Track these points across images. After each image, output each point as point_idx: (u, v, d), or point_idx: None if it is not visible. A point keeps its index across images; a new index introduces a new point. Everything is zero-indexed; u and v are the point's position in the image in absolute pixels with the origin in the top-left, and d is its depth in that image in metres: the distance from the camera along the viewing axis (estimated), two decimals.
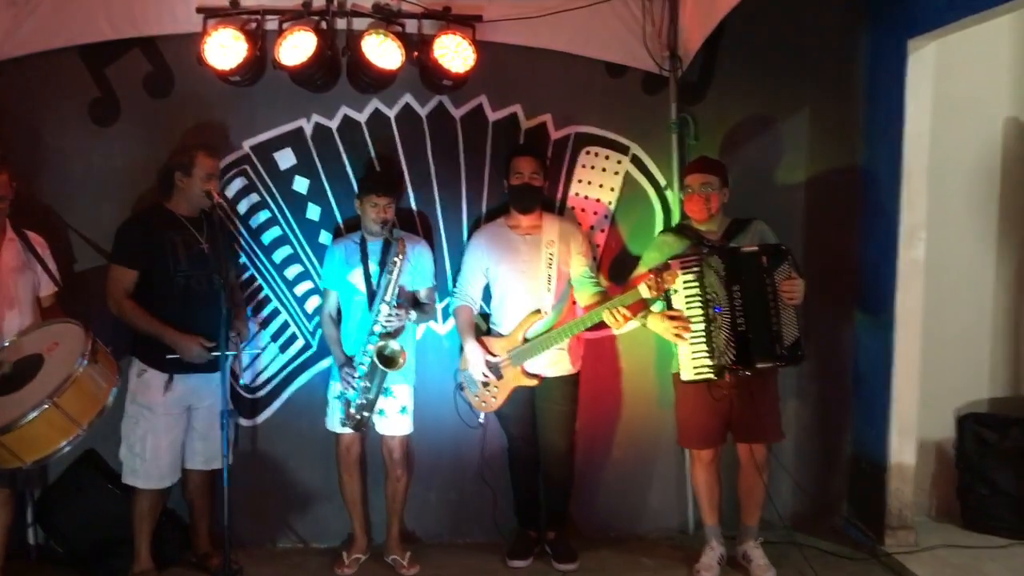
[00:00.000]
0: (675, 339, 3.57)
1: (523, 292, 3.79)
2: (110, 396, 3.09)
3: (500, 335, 3.85)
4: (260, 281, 4.10)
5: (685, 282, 3.53)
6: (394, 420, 3.83)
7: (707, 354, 3.53)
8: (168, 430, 3.58)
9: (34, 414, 2.85)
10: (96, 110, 3.91)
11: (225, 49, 3.62)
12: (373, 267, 3.76)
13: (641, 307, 3.60)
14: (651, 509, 4.33)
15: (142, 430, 3.54)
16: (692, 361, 3.57)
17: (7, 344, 3.15)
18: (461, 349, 3.97)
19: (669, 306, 3.60)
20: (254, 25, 3.72)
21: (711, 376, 3.55)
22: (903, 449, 4.06)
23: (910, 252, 3.97)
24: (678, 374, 3.68)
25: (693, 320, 3.54)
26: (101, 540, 3.82)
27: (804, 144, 4.23)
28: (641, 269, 3.77)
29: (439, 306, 4.11)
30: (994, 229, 4.43)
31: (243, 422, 4.08)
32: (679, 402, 3.81)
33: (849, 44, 4.21)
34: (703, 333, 3.53)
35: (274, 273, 4.10)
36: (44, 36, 3.76)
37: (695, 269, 3.52)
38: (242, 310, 3.89)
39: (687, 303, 3.55)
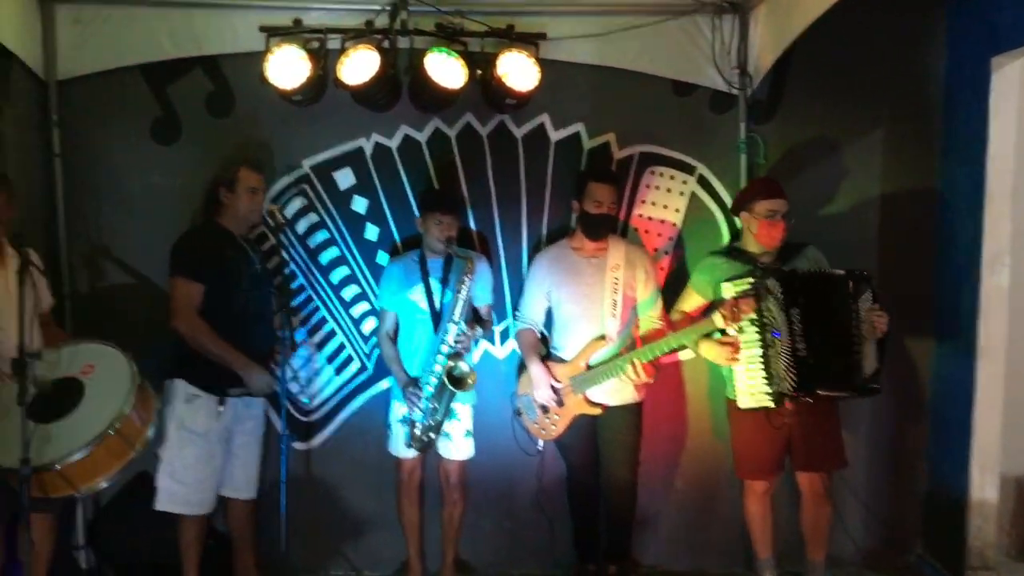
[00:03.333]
0: (728, 364, 3.48)
1: (586, 317, 3.68)
2: (153, 421, 3.04)
3: (561, 360, 3.74)
4: (316, 302, 4.04)
5: None
6: (459, 443, 3.74)
7: (765, 380, 3.39)
8: (215, 456, 3.49)
9: (96, 444, 2.80)
10: (158, 129, 3.89)
11: (288, 68, 3.57)
12: (434, 285, 3.69)
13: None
14: (715, 543, 4.17)
15: (189, 458, 3.43)
16: (749, 388, 3.45)
17: (37, 358, 2.94)
18: (519, 373, 3.88)
19: (722, 332, 3.48)
20: (317, 44, 3.67)
21: (769, 404, 3.41)
22: (985, 484, 3.86)
23: (993, 279, 3.79)
24: (733, 401, 3.56)
25: (750, 345, 3.41)
26: (152, 564, 3.78)
27: (878, 165, 4.08)
28: (690, 293, 3.68)
29: (497, 328, 4.03)
30: None
31: (297, 445, 4.02)
32: (735, 431, 3.68)
33: (926, 62, 4.05)
34: (760, 359, 3.40)
35: (331, 293, 4.04)
36: (108, 55, 3.77)
37: (751, 293, 3.38)
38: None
39: (743, 328, 3.41)
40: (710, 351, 3.51)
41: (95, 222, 3.87)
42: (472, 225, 4.03)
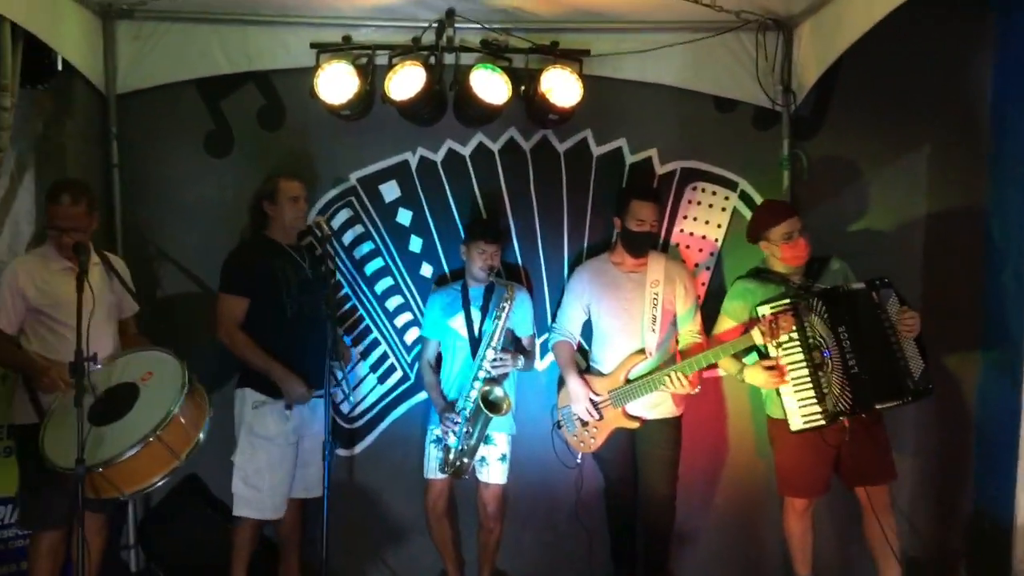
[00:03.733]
0: (774, 387, 3.45)
1: (625, 331, 3.70)
2: (205, 424, 3.10)
3: (600, 374, 3.76)
4: (361, 311, 4.12)
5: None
6: (494, 468, 3.77)
7: (815, 401, 3.36)
8: (286, 460, 3.58)
9: (137, 448, 2.87)
10: (211, 142, 4.02)
11: (337, 83, 3.67)
12: (475, 313, 3.74)
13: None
14: (755, 561, 4.16)
15: (260, 463, 3.53)
16: (801, 410, 3.40)
17: (98, 368, 3.13)
18: (559, 386, 3.91)
19: (763, 356, 3.47)
20: (365, 60, 3.77)
21: (822, 423, 3.37)
22: None
23: None
24: (776, 420, 3.54)
25: (795, 366, 3.39)
26: (200, 564, 3.87)
27: (923, 182, 4.05)
28: (725, 320, 3.66)
29: (538, 341, 4.06)
30: None
31: (340, 452, 4.09)
32: (780, 449, 3.65)
33: (974, 79, 4.01)
34: (808, 379, 3.37)
35: (375, 304, 4.12)
36: (165, 70, 3.91)
37: (790, 314, 3.37)
38: (339, 335, 3.89)
39: (785, 350, 3.39)
40: (756, 377, 3.49)
41: (151, 231, 4.00)
42: (517, 253, 4.09)
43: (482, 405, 3.53)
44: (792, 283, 3.49)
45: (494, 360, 3.60)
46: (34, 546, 3.25)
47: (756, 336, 3.33)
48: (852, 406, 3.33)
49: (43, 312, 3.15)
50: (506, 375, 3.66)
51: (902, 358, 3.34)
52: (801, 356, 3.37)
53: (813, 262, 3.55)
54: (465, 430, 3.62)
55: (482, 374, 3.60)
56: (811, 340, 3.35)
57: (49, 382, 3.00)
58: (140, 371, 3.13)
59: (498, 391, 3.58)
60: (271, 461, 3.54)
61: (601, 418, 3.69)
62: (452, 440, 3.65)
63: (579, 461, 3.87)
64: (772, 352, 3.40)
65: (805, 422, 3.39)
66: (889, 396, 3.36)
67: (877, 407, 3.37)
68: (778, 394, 3.46)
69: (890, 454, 3.60)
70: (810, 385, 3.37)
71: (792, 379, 3.39)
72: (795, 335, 3.36)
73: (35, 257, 3.26)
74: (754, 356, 3.58)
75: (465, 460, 3.65)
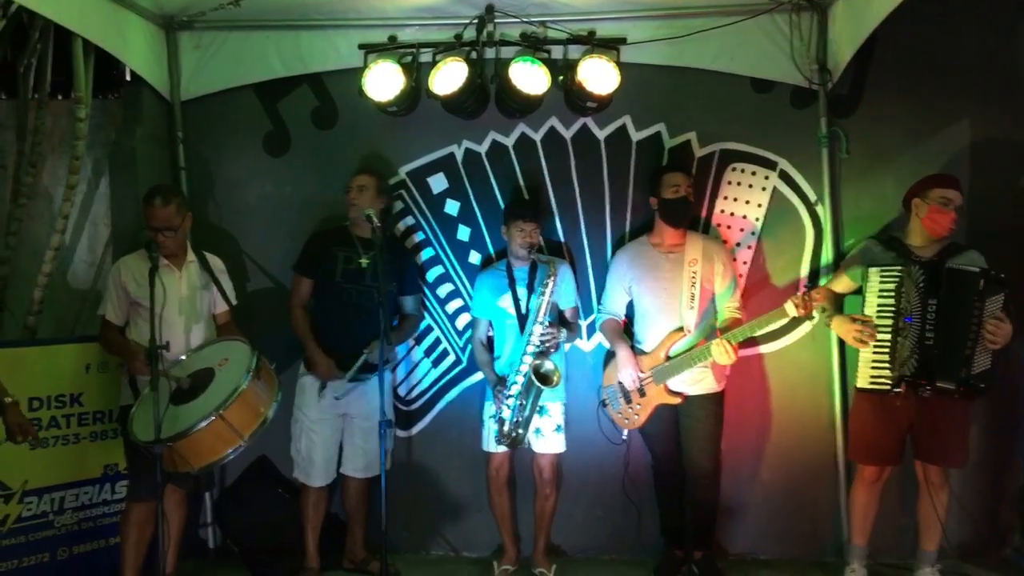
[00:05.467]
0: (855, 343, 3.53)
1: (664, 310, 3.80)
2: (271, 410, 3.32)
3: (643, 352, 3.87)
4: None
5: (881, 291, 3.49)
6: (549, 438, 3.92)
7: (887, 364, 3.46)
8: (318, 433, 3.86)
9: (203, 424, 3.11)
10: (270, 142, 4.26)
11: (384, 81, 3.87)
12: (521, 291, 3.89)
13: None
14: (804, 533, 4.20)
15: (299, 430, 3.89)
16: (870, 370, 3.52)
17: (184, 358, 3.48)
18: (605, 365, 4.03)
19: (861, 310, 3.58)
20: (410, 58, 3.95)
21: (886, 386, 3.46)
22: None
23: None
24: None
25: (881, 329, 3.48)
26: (272, 541, 4.10)
27: (964, 158, 4.02)
28: (842, 277, 3.73)
29: (584, 323, 4.19)
30: None
31: (398, 433, 4.29)
32: (853, 413, 3.74)
33: (1013, 48, 3.98)
34: (888, 343, 3.47)
35: (427, 291, 4.29)
36: (224, 76, 4.17)
37: (896, 278, 3.45)
38: (395, 335, 4.00)
39: (878, 312, 3.50)
40: (841, 326, 3.59)
41: (218, 228, 4.27)
42: (560, 235, 4.21)
43: (534, 378, 3.68)
44: (915, 256, 3.53)
45: (542, 334, 3.74)
46: (125, 516, 3.59)
47: (789, 308, 3.42)
48: (915, 374, 3.40)
49: (140, 304, 3.49)
50: (555, 347, 3.80)
51: (970, 348, 3.36)
52: (890, 321, 3.47)
53: (950, 247, 3.57)
54: (519, 403, 3.77)
55: (531, 348, 3.75)
56: (902, 306, 3.43)
57: (140, 365, 3.33)
58: (218, 357, 3.42)
59: (548, 364, 3.72)
60: (306, 431, 3.87)
61: (644, 395, 3.80)
62: (506, 414, 3.81)
63: (624, 438, 3.98)
64: (869, 312, 3.51)
65: (870, 382, 3.51)
66: (950, 376, 3.39)
67: (939, 384, 3.39)
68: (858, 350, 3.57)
69: (962, 441, 3.60)
70: (887, 349, 3.46)
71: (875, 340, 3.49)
72: (891, 300, 3.46)
73: (137, 255, 3.59)
74: (855, 307, 3.65)
75: (520, 431, 3.80)
